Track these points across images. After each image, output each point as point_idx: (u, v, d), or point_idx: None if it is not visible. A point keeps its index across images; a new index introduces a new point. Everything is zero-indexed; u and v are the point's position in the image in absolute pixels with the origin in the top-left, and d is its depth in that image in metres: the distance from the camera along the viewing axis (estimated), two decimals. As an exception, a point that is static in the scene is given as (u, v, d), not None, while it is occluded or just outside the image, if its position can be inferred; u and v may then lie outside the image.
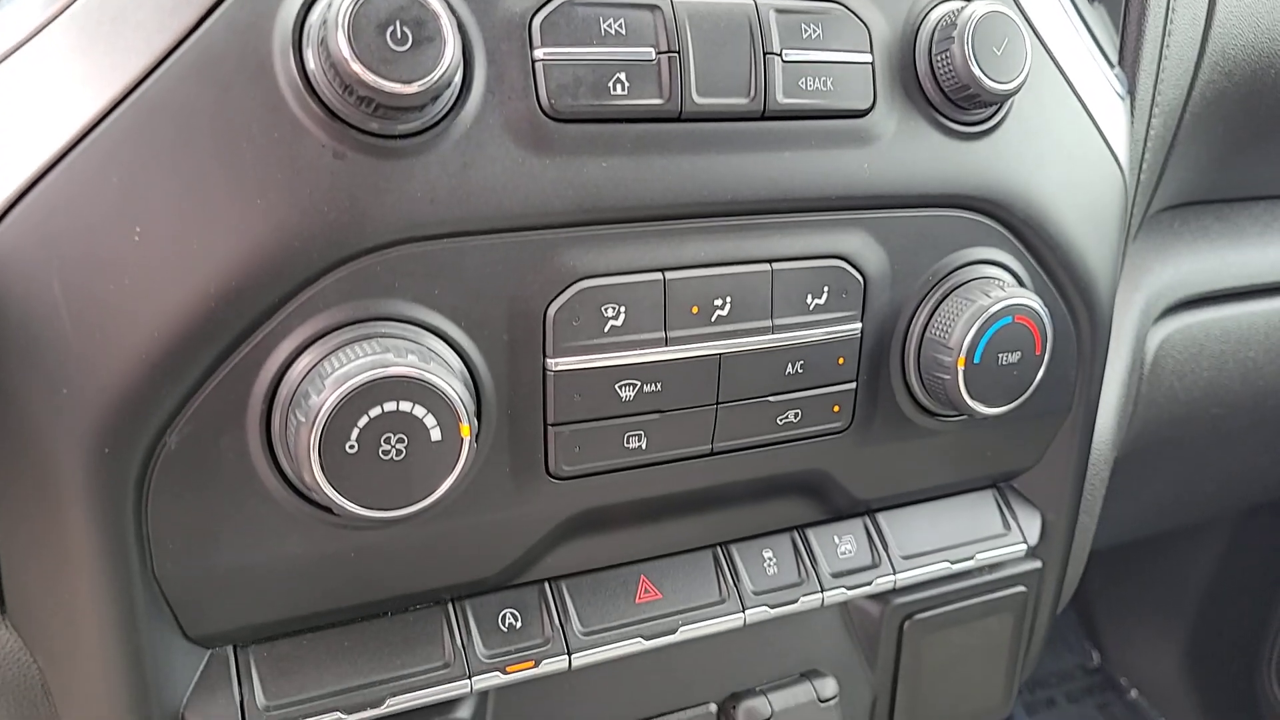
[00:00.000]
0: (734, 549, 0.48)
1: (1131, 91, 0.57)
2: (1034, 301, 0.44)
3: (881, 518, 0.51)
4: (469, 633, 0.42)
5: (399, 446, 0.34)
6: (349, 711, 0.39)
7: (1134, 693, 1.70)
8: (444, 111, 0.34)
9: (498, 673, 0.42)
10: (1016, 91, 0.43)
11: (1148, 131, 0.60)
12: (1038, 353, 0.45)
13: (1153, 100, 0.59)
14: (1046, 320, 0.45)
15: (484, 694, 0.44)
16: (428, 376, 0.34)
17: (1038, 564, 0.55)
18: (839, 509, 0.50)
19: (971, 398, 0.45)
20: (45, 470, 0.34)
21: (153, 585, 0.35)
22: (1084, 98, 0.49)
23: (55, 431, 0.33)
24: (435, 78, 0.32)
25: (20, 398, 0.33)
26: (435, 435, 0.34)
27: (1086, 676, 1.73)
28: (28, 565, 0.36)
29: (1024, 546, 0.54)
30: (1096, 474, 0.59)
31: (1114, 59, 0.55)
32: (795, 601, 0.48)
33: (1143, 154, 0.60)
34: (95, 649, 0.36)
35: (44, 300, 0.32)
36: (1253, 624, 1.57)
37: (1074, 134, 0.49)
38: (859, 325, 0.44)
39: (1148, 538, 1.62)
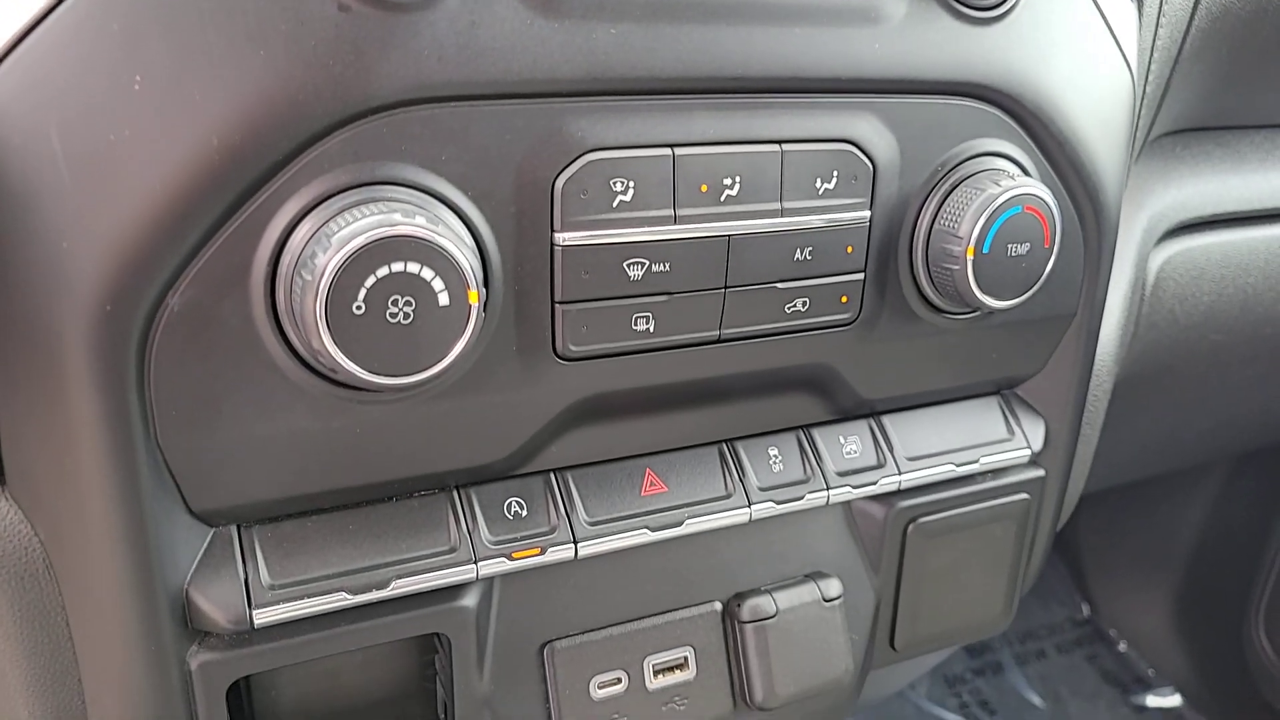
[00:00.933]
0: (740, 445, 0.48)
1: (1139, 1, 0.57)
2: (1043, 192, 0.44)
3: (887, 420, 0.51)
4: (475, 519, 0.42)
5: (406, 309, 0.33)
6: (354, 592, 0.39)
7: (1123, 645, 1.72)
8: None
9: (504, 559, 0.42)
10: None
11: (1154, 42, 0.59)
12: (1046, 245, 0.45)
13: (1160, 10, 0.59)
14: (1056, 212, 0.45)
15: (489, 582, 0.44)
16: (435, 238, 0.33)
17: (1041, 472, 0.55)
18: (845, 409, 0.50)
19: (980, 290, 0.44)
20: (45, 330, 0.33)
21: (156, 454, 0.35)
22: (1095, -5, 0.49)
23: (55, 287, 0.32)
24: None
25: (19, 252, 0.32)
26: (443, 300, 0.34)
27: (1076, 628, 1.75)
28: (28, 433, 0.35)
29: (1028, 453, 0.54)
30: (1100, 385, 0.59)
31: (1123, -38, 0.54)
32: (801, 499, 0.48)
33: (1149, 65, 0.60)
34: (98, 521, 0.35)
35: (42, 151, 0.31)
36: (1240, 575, 1.59)
37: (1085, 29, 0.48)
38: (868, 213, 0.43)
39: (1137, 490, 1.63)
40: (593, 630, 0.46)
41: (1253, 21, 0.67)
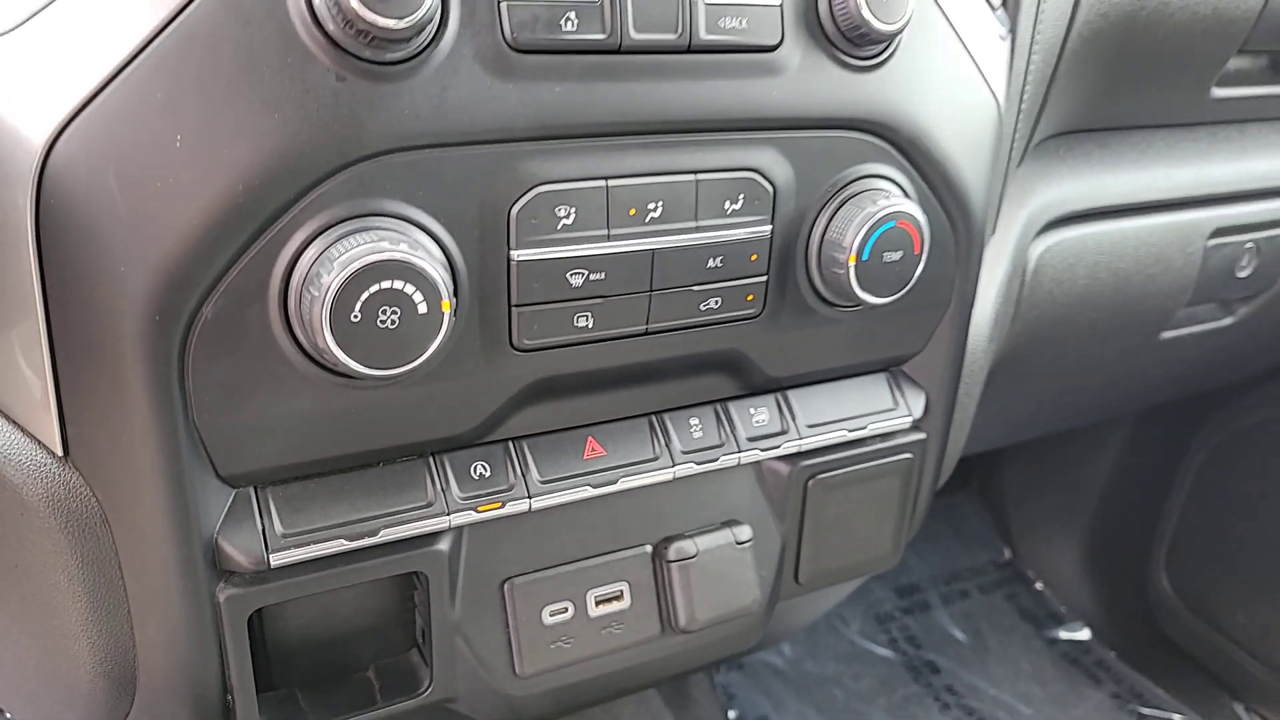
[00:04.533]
0: (666, 417, 0.57)
1: (1013, 31, 0.66)
2: (913, 209, 0.54)
3: (790, 394, 0.61)
4: (447, 480, 0.51)
5: (393, 317, 0.42)
6: (350, 539, 0.48)
7: (1039, 584, 1.85)
8: (426, 43, 0.42)
9: (471, 511, 0.51)
10: (901, 31, 0.51)
11: (1028, 67, 0.69)
12: (916, 252, 0.55)
13: (1032, 39, 0.68)
14: (924, 225, 0.54)
15: (459, 530, 0.53)
16: (416, 261, 0.42)
17: (922, 435, 0.65)
18: (754, 385, 0.59)
19: (861, 289, 0.54)
20: (106, 334, 0.41)
21: (193, 431, 0.44)
22: (964, 38, 0.58)
23: (114, 301, 0.41)
24: (419, 15, 0.40)
25: (87, 274, 0.41)
26: (422, 309, 0.43)
27: (998, 571, 1.88)
28: (89, 415, 0.44)
29: (910, 419, 0.64)
30: (975, 362, 0.69)
31: (996, 2, 0.64)
32: (717, 460, 0.58)
33: (1023, 87, 0.69)
34: (147, 485, 0.44)
35: (104, 193, 0.40)
36: (1144, 521, 1.72)
37: (954, 68, 0.57)
38: (769, 227, 0.52)
39: (1054, 445, 1.76)
40: (544, 569, 0.56)
41: (1123, 42, 0.76)
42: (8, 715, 1.25)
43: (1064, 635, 1.78)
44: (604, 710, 1.14)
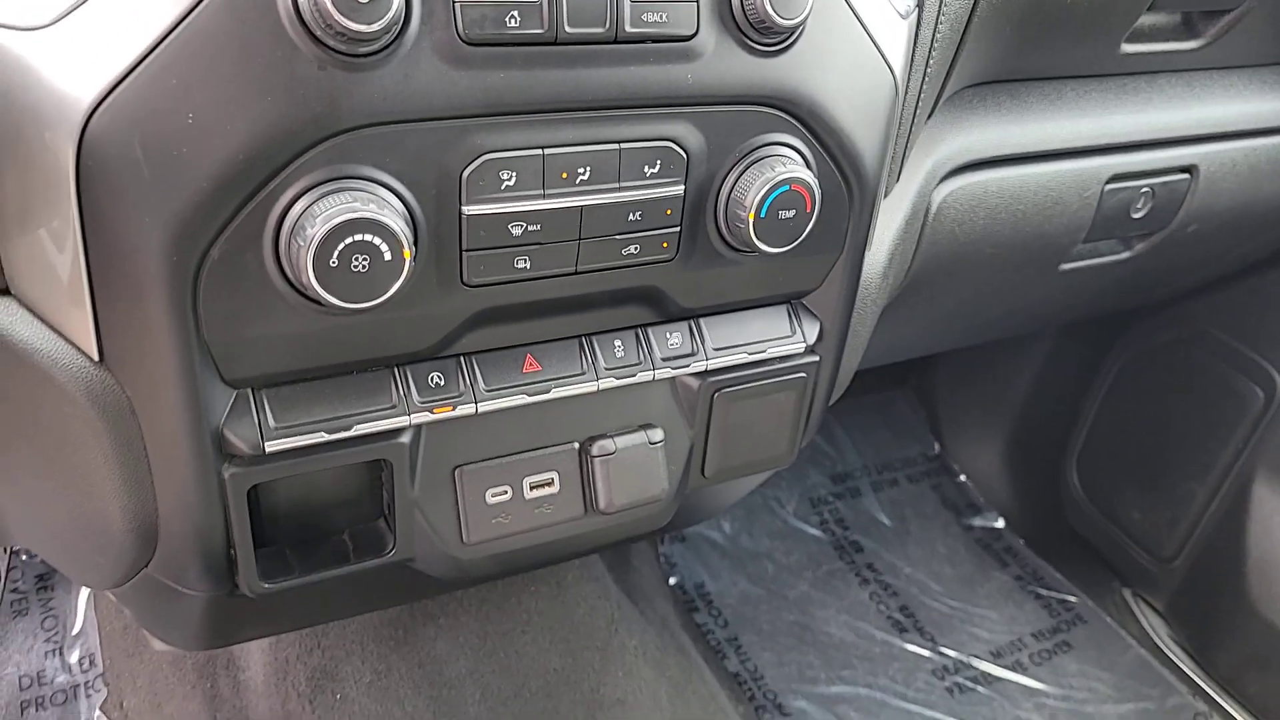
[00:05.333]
0: (594, 339, 0.68)
1: (920, 5, 0.75)
2: (807, 174, 0.64)
3: (702, 321, 0.72)
4: (408, 387, 0.63)
5: (364, 262, 0.52)
6: (330, 432, 0.60)
7: (963, 477, 2.01)
8: (392, 39, 0.51)
9: (427, 412, 0.63)
10: (803, 24, 0.61)
11: (934, 36, 0.77)
12: (808, 210, 0.65)
13: (939, 12, 0.77)
14: (816, 188, 0.65)
15: (419, 428, 0.64)
16: (382, 218, 0.52)
17: (815, 359, 0.77)
18: (670, 314, 0.70)
19: (759, 241, 0.65)
20: (133, 270, 0.51)
21: (203, 345, 0.54)
22: (865, 20, 0.66)
23: (140, 244, 0.51)
24: (385, 20, 0.49)
25: (117, 221, 0.51)
26: (387, 256, 0.53)
27: (927, 463, 2.04)
28: (120, 332, 0.54)
29: (804, 345, 0.76)
30: (867, 295, 0.80)
31: (901, -20, 0.72)
32: (635, 375, 0.69)
33: (929, 55, 0.78)
34: (166, 386, 0.55)
35: (131, 157, 0.49)
36: (1062, 425, 1.87)
37: (853, 50, 0.66)
38: (682, 187, 0.63)
39: (984, 351, 1.89)
40: (488, 459, 0.67)
41: (1034, 4, 0.84)
42: (23, 557, 1.40)
43: (979, 523, 1.95)
44: (551, 575, 1.29)
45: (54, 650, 1.30)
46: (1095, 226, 1.03)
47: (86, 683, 1.28)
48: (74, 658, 1.30)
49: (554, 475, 0.70)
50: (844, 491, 1.92)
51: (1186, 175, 1.05)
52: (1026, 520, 1.91)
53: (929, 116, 0.84)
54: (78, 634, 1.32)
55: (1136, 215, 1.06)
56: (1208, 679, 1.62)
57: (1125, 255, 1.14)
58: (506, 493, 0.68)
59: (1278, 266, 1.41)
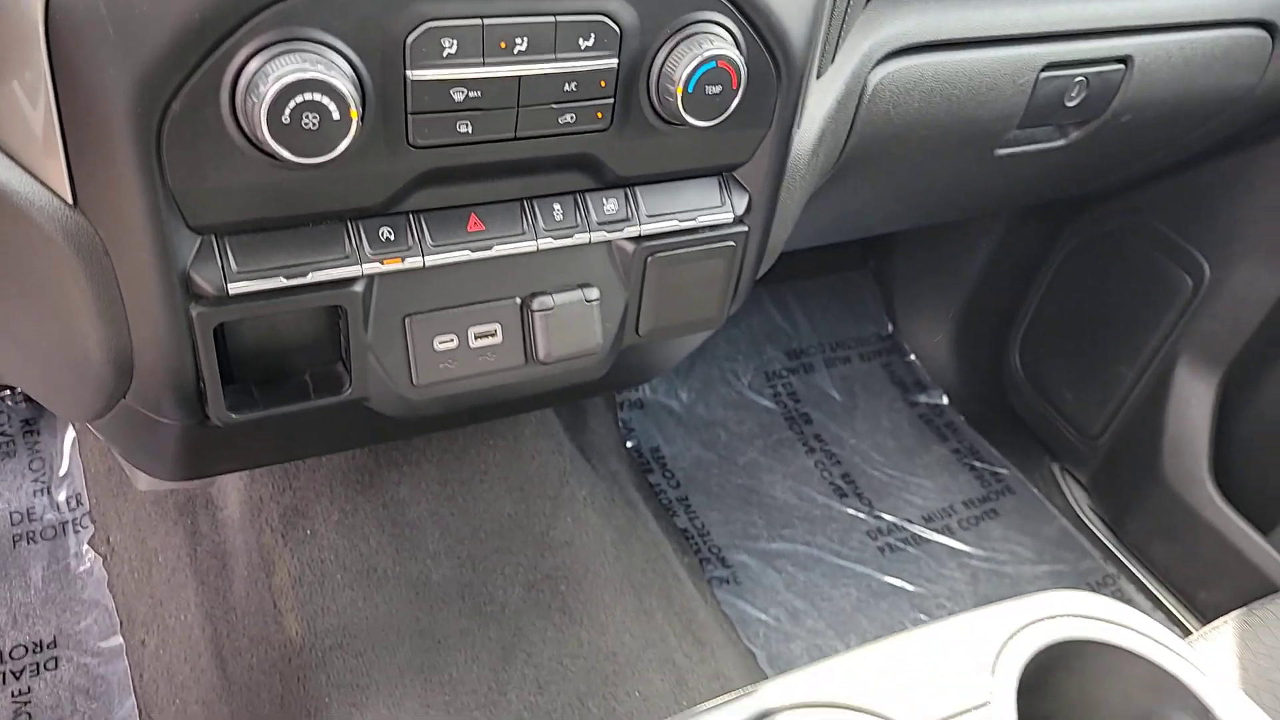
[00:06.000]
0: (534, 203, 0.74)
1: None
2: (733, 52, 0.68)
3: (637, 190, 0.77)
4: (360, 239, 0.68)
5: (314, 120, 0.57)
6: (287, 278, 0.65)
7: (912, 356, 2.09)
8: None
9: (378, 263, 0.69)
10: None
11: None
12: (734, 87, 0.70)
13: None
14: (742, 66, 0.69)
15: (371, 279, 0.70)
16: (330, 79, 0.57)
17: (744, 229, 0.83)
18: (607, 182, 0.75)
19: (687, 114, 0.70)
20: (101, 120, 0.56)
21: (169, 192, 0.59)
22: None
23: (106, 95, 0.55)
24: None
25: (85, 73, 0.55)
26: (335, 115, 0.58)
27: (879, 342, 2.12)
28: (91, 177, 0.59)
29: (732, 215, 0.81)
30: (797, 171, 0.85)
31: None
32: (572, 237, 0.75)
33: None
34: (136, 228, 0.60)
35: (97, 19, 0.54)
36: (1008, 309, 1.95)
37: (784, -64, 0.70)
38: (615, 60, 0.67)
39: (940, 234, 1.95)
40: (437, 309, 0.74)
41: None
42: (9, 402, 1.47)
43: (924, 400, 2.05)
44: (509, 430, 1.38)
45: (42, 489, 1.39)
46: (1029, 113, 1.07)
47: (74, 520, 1.37)
48: (61, 496, 1.39)
49: (497, 327, 0.77)
50: (798, 367, 2.01)
51: (1121, 65, 1.09)
52: (969, 398, 2.01)
53: (866, 3, 0.88)
54: (64, 475, 1.41)
55: (1071, 104, 1.11)
56: (1120, 546, 1.76)
57: (1060, 143, 1.19)
58: (453, 340, 0.75)
59: (1213, 159, 1.46)
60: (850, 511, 1.76)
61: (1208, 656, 0.91)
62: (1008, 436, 1.95)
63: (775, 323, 2.05)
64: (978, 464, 1.91)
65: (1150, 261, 1.62)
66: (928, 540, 1.74)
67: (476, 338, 0.76)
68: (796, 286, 2.11)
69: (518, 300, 0.77)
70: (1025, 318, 1.91)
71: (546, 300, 0.77)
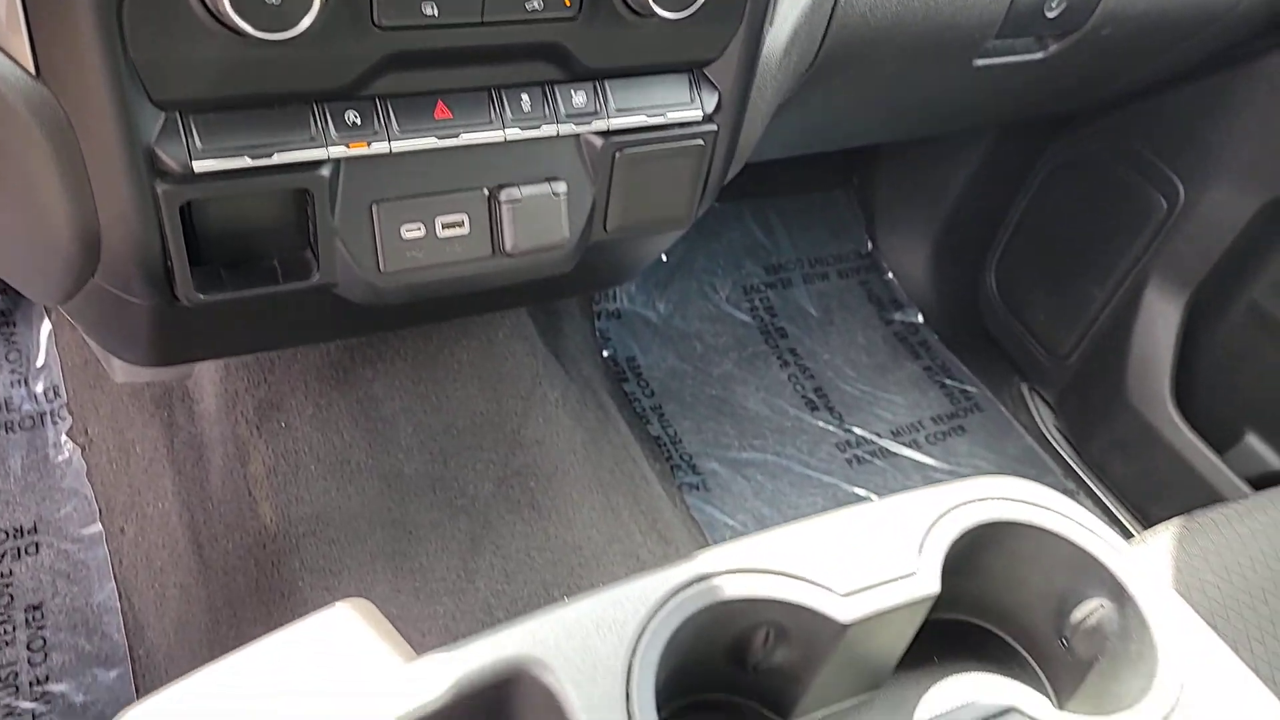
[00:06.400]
0: (503, 91, 0.74)
1: None
2: None
3: (607, 83, 0.77)
4: (326, 122, 0.69)
5: (277, -3, 0.58)
6: (253, 158, 0.66)
7: (890, 274, 2.11)
8: None
9: (344, 146, 0.69)
10: None
11: None
12: (703, -19, 0.70)
13: None
14: None
15: (337, 163, 0.70)
16: None
17: (713, 127, 0.83)
18: (576, 74, 0.76)
19: (655, 4, 0.70)
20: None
21: (130, 64, 0.59)
22: None
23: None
24: None
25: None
26: (299, -8, 0.58)
27: (859, 260, 2.14)
28: (53, 48, 0.59)
29: (701, 113, 0.82)
30: (768, 71, 0.86)
31: None
32: (539, 128, 0.75)
33: None
34: (98, 100, 0.60)
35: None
36: (986, 231, 1.96)
37: None
38: None
39: (923, 153, 1.95)
40: (404, 197, 0.75)
41: None
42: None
43: (899, 318, 2.08)
44: (483, 331, 1.40)
45: (19, 380, 1.40)
46: (1008, 21, 1.07)
47: (52, 410, 1.39)
48: (39, 388, 1.41)
49: (464, 217, 0.77)
50: (776, 282, 2.02)
51: (1103, -23, 1.09)
52: (944, 317, 2.04)
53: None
54: (41, 367, 1.42)
55: (1051, 14, 1.11)
56: (1080, 462, 1.81)
57: (1040, 55, 1.18)
58: (420, 229, 0.76)
59: (1193, 81, 1.46)
60: (820, 424, 1.80)
61: (1145, 555, 0.95)
62: (979, 356, 1.98)
63: (755, 238, 2.05)
64: (948, 381, 1.94)
65: (1128, 184, 1.63)
66: (894, 454, 1.78)
67: (444, 227, 0.77)
68: (779, 203, 2.11)
69: (485, 191, 0.78)
70: (1003, 239, 1.92)
71: (514, 192, 0.78)
